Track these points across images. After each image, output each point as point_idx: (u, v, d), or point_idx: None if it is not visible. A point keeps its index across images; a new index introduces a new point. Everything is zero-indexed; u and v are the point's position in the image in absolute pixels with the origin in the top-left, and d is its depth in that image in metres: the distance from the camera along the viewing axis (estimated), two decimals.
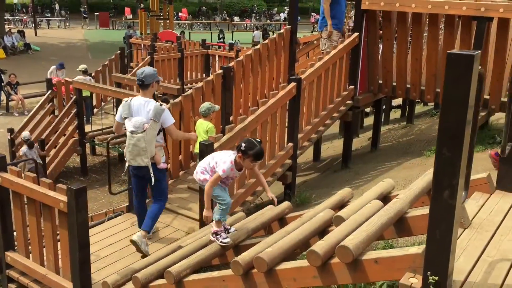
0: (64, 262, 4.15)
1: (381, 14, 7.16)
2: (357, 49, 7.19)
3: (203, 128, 5.81)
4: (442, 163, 2.15)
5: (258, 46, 7.53)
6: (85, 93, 10.58)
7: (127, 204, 6.00)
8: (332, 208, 3.65)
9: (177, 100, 6.39)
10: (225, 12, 45.20)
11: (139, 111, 4.65)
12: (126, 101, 4.72)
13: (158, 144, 4.78)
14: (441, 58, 6.68)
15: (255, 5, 47.30)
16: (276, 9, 46.93)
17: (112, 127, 10.27)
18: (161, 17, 23.24)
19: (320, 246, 2.76)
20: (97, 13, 37.78)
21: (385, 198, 3.59)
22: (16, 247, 4.67)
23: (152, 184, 4.76)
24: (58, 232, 4.23)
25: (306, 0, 49.58)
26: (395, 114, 12.23)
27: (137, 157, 4.63)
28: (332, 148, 10.18)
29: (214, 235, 3.97)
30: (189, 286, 3.42)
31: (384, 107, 11.08)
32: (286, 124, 6.28)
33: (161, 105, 4.72)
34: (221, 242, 3.89)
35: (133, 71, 12.27)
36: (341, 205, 3.79)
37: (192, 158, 6.62)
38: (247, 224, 4.18)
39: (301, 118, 6.45)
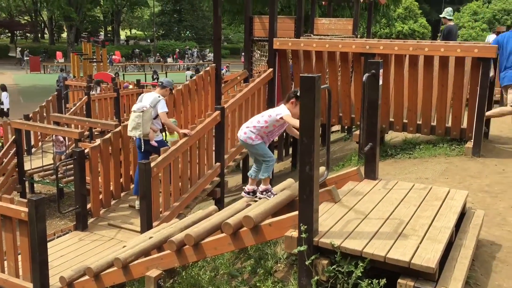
0: (24, 267, 4.86)
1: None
2: (273, 82, 8.47)
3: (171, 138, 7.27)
4: (303, 147, 3.26)
5: (187, 82, 8.61)
6: None
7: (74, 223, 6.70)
8: (246, 202, 4.67)
9: (97, 143, 6.90)
10: (158, 54, 46.33)
11: (145, 100, 6.65)
12: (142, 94, 6.96)
13: (154, 127, 6.64)
14: (340, 88, 8.06)
15: (187, 47, 48.87)
16: (208, 49, 48.73)
17: (51, 164, 10.89)
18: (94, 60, 23.89)
19: (231, 219, 3.78)
20: (28, 58, 37.61)
21: None
22: None
23: (142, 151, 6.62)
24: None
25: (237, 41, 51.91)
26: None
27: (134, 129, 6.49)
28: None
29: (264, 193, 4.42)
30: (134, 268, 4.27)
31: None
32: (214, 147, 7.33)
33: (159, 97, 6.68)
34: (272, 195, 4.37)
35: (71, 111, 12.92)
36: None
37: (131, 180, 7.44)
38: (181, 223, 5.09)
39: (226, 141, 7.52)
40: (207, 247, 3.90)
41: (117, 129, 7.13)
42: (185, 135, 6.58)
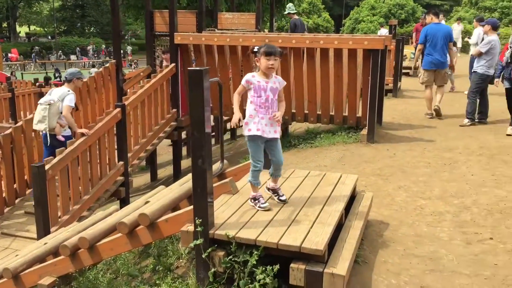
0: None
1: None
2: (176, 77, 8.36)
3: None
4: (194, 141, 3.25)
5: (86, 79, 8.23)
6: None
7: None
8: (146, 199, 4.58)
9: (8, 132, 6.74)
10: (60, 51, 43.92)
11: (54, 94, 6.49)
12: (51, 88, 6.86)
13: (62, 122, 6.44)
14: None
15: (91, 42, 46.85)
16: None
17: None
18: None
19: (127, 218, 3.68)
20: None
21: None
22: None
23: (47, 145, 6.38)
24: None
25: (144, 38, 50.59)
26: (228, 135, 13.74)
27: (39, 123, 6.32)
28: (169, 170, 11.18)
29: (252, 200, 3.83)
30: (25, 278, 4.03)
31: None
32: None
33: (68, 91, 6.53)
34: (259, 207, 3.74)
35: None
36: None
37: (27, 185, 7.00)
38: (80, 226, 4.88)
39: (129, 139, 7.31)
40: (103, 249, 3.78)
41: (7, 132, 6.65)
42: (83, 134, 6.31)
